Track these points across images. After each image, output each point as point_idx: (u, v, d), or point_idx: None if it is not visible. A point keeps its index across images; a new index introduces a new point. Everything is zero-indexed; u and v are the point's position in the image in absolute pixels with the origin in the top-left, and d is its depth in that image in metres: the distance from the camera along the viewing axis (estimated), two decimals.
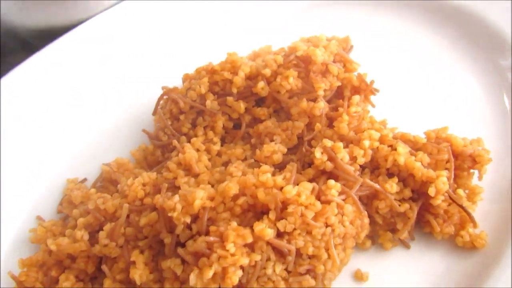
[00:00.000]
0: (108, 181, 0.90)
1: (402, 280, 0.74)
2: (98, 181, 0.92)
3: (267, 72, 0.86)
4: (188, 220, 0.69)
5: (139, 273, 0.70)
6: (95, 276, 0.78)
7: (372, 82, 0.91)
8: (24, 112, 0.99)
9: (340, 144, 0.77)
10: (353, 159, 0.78)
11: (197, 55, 1.02)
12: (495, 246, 0.73)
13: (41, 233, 0.83)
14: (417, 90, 0.94)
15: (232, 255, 0.65)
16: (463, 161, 0.79)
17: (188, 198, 0.70)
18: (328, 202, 0.70)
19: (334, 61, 0.90)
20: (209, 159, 0.86)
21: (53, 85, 1.02)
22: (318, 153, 0.76)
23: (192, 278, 0.65)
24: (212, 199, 0.71)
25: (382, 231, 0.77)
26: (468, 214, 0.74)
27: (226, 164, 0.86)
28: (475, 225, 0.75)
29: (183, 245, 0.70)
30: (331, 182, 0.72)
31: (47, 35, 1.09)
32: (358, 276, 0.75)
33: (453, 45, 0.99)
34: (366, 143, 0.78)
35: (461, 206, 0.74)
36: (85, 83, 1.04)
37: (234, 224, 0.67)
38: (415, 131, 0.85)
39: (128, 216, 0.76)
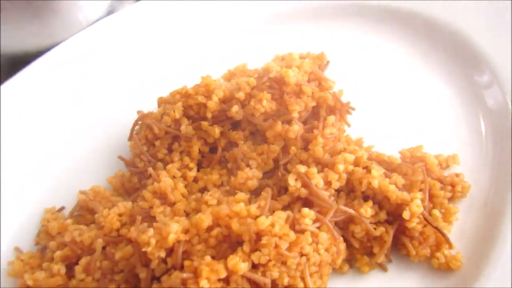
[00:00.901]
0: (85, 210, 0.89)
1: None
2: (75, 210, 0.91)
3: (241, 95, 0.86)
4: (163, 254, 0.69)
5: None
6: None
7: (348, 103, 0.91)
8: (3, 138, 0.98)
9: (314, 170, 0.77)
10: (328, 183, 0.78)
11: (172, 77, 1.01)
12: (471, 266, 0.73)
13: (18, 267, 0.82)
14: (393, 107, 0.94)
15: None
16: (441, 183, 0.80)
17: (162, 232, 0.69)
18: (302, 232, 0.70)
19: (309, 80, 0.90)
20: (186, 186, 0.85)
21: (26, 110, 1.01)
22: (291, 180, 0.76)
23: None
24: (186, 231, 0.71)
25: (359, 255, 0.77)
26: (444, 235, 0.75)
27: (202, 190, 0.85)
28: (450, 246, 0.75)
29: (159, 279, 0.70)
30: (305, 210, 0.72)
31: (19, 61, 1.07)
32: None
33: (428, 61, 0.98)
34: (341, 167, 0.78)
35: (436, 228, 0.75)
36: (59, 108, 1.03)
37: (208, 258, 0.67)
38: (391, 148, 0.86)
39: (104, 247, 0.76)
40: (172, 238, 0.68)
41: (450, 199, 0.81)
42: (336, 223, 0.76)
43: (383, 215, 0.77)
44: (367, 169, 0.79)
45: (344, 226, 0.77)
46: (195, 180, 0.87)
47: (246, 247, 0.68)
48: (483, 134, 0.87)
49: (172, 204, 0.81)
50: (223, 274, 0.65)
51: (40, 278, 0.76)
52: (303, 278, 0.69)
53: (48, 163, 0.99)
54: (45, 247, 0.87)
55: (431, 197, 0.79)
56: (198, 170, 0.89)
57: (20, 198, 0.95)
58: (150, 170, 0.85)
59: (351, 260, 0.78)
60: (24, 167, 0.97)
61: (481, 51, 0.92)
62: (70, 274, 0.77)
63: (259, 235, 0.69)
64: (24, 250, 0.87)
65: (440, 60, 0.98)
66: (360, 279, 0.77)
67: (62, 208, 0.92)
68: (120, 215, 0.79)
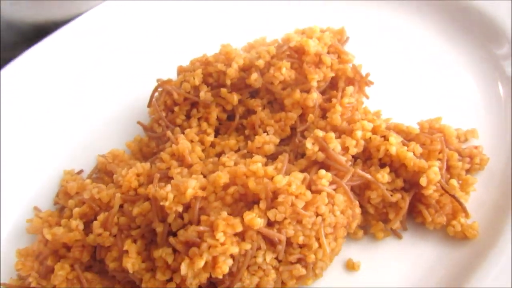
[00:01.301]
0: (103, 172, 0.91)
1: (394, 269, 0.74)
2: (94, 172, 0.93)
3: (260, 63, 0.86)
4: (180, 209, 0.70)
5: (131, 262, 0.71)
6: (90, 265, 0.79)
7: (367, 74, 0.90)
8: (22, 105, 1.00)
9: (332, 134, 0.77)
10: (345, 149, 0.78)
11: (192, 48, 1.02)
12: (487, 236, 0.73)
13: (37, 223, 0.84)
14: (411, 81, 0.94)
15: (222, 244, 0.65)
16: (460, 155, 0.79)
17: (180, 188, 0.70)
18: (318, 192, 0.70)
19: (328, 53, 0.90)
20: (203, 150, 0.86)
21: (50, 78, 1.04)
22: (309, 144, 0.76)
23: (183, 268, 0.66)
24: (204, 188, 0.72)
25: (374, 221, 0.77)
26: (460, 204, 0.74)
27: (219, 155, 0.86)
28: (467, 215, 0.74)
29: (175, 234, 0.70)
30: (322, 172, 0.72)
31: (44, 29, 1.10)
32: (350, 266, 0.75)
33: (447, 35, 0.98)
34: (359, 133, 0.78)
35: (453, 196, 0.74)
36: (81, 76, 1.05)
37: (224, 213, 0.68)
38: (409, 122, 0.85)
39: (122, 205, 0.77)
40: (189, 193, 0.69)
41: (468, 171, 0.80)
42: (352, 189, 0.76)
43: (399, 183, 0.77)
44: (385, 138, 0.79)
45: (360, 192, 0.77)
46: (212, 145, 0.88)
47: (262, 205, 0.69)
48: (502, 106, 0.86)
49: (189, 166, 0.82)
50: (239, 228, 0.66)
51: (59, 233, 0.78)
52: (318, 238, 0.70)
53: (69, 129, 1.01)
54: (63, 207, 0.89)
55: (449, 168, 0.79)
56: (215, 137, 0.90)
57: (40, 162, 0.97)
58: (169, 133, 0.86)
59: (366, 227, 0.78)
60: (45, 132, 0.99)
61: (500, 25, 0.91)
62: (87, 231, 0.78)
63: (275, 194, 0.69)
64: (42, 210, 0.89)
65: (459, 33, 0.98)
66: (374, 246, 0.77)
67: (81, 171, 0.94)
68: (138, 175, 0.81)
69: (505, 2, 0.93)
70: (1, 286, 0.79)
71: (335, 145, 0.77)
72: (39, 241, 0.82)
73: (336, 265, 0.76)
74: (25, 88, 1.01)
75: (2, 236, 0.87)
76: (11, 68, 1.04)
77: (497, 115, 0.86)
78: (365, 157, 0.80)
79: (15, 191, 0.92)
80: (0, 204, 0.89)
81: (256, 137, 0.83)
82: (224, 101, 0.90)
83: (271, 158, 0.82)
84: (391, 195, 0.76)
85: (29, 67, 1.04)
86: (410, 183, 0.77)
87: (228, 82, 0.88)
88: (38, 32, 1.11)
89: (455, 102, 0.90)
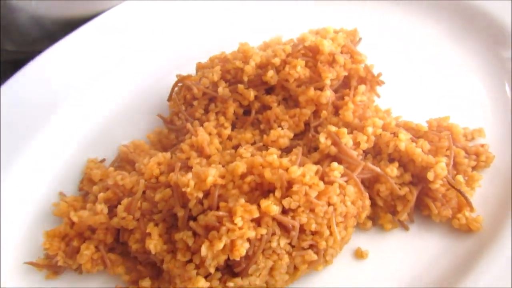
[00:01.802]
0: (125, 161, 0.96)
1: (400, 259, 0.78)
2: (116, 161, 0.98)
3: (277, 61, 0.91)
4: (201, 195, 0.75)
5: (153, 243, 0.75)
6: (113, 247, 0.84)
7: (379, 74, 0.94)
8: (50, 98, 1.05)
9: (344, 130, 0.81)
10: (357, 144, 0.82)
11: (211, 46, 1.07)
12: (490, 230, 0.76)
13: (63, 207, 0.89)
14: (421, 81, 0.98)
15: (240, 228, 0.70)
16: (466, 153, 0.83)
17: (201, 175, 0.75)
18: (331, 183, 0.75)
19: (341, 53, 0.94)
20: (220, 143, 0.91)
21: (75, 72, 1.09)
22: (322, 138, 0.81)
23: (204, 250, 0.70)
24: (223, 177, 0.76)
25: (382, 213, 0.81)
26: (465, 198, 0.78)
27: (236, 147, 0.91)
28: (471, 209, 0.78)
29: (195, 219, 0.75)
30: (334, 164, 0.77)
31: (70, 25, 1.16)
32: (358, 254, 0.79)
33: (456, 37, 1.02)
34: (370, 129, 0.82)
35: (458, 191, 0.78)
36: (105, 71, 1.10)
37: (242, 200, 0.72)
38: (418, 120, 0.89)
39: (144, 192, 0.82)
40: (210, 180, 0.74)
41: (474, 168, 0.84)
42: (362, 181, 0.80)
43: (407, 177, 0.81)
44: (395, 134, 0.83)
45: (370, 185, 0.81)
46: (229, 138, 0.93)
47: (277, 193, 0.73)
48: (509, 107, 0.90)
49: (208, 157, 0.86)
50: (256, 214, 0.70)
51: (85, 216, 0.83)
52: (329, 226, 0.74)
53: (93, 121, 1.06)
54: (87, 193, 0.94)
55: (456, 164, 0.82)
56: (232, 130, 0.94)
57: (66, 151, 1.02)
58: (188, 125, 0.91)
59: (374, 218, 0.82)
60: (70, 124, 1.05)
61: (507, 29, 0.95)
62: (110, 215, 0.83)
63: (290, 183, 0.73)
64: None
65: (467, 35, 1.01)
66: (382, 236, 0.81)
67: (103, 160, 0.99)
68: (159, 164, 0.85)
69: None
70: (29, 265, 0.84)
71: (347, 140, 0.81)
72: (65, 223, 0.87)
73: (345, 253, 0.80)
74: (52, 81, 1.06)
75: (30, 219, 0.92)
76: (38, 61, 1.10)
77: (503, 115, 0.89)
78: (376, 152, 0.84)
79: (42, 178, 0.98)
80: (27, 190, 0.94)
81: (272, 131, 0.87)
82: (241, 97, 0.94)
83: (285, 151, 0.86)
84: (400, 189, 0.80)
85: (54, 61, 1.10)
86: (418, 178, 0.81)
87: (245, 78, 0.92)
88: (64, 28, 1.17)
89: (463, 102, 0.94)
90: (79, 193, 0.96)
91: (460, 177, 0.80)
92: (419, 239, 0.79)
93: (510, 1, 0.97)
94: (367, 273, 0.78)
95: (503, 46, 0.96)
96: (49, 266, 0.83)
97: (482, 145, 0.85)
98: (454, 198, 0.79)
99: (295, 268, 0.75)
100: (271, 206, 0.70)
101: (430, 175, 0.77)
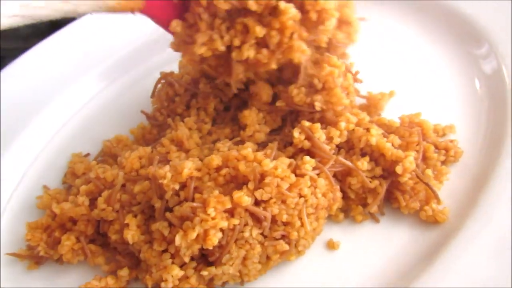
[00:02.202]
0: (108, 155, 0.99)
1: (371, 248, 0.80)
2: (99, 156, 1.00)
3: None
4: (177, 187, 0.77)
5: (131, 234, 0.78)
6: (94, 239, 0.87)
7: (357, 72, 0.97)
8: (36, 93, 1.08)
9: (318, 125, 0.84)
10: (330, 139, 0.85)
11: None
12: (455, 221, 0.79)
13: (46, 199, 0.92)
14: (396, 79, 1.00)
15: (213, 218, 0.72)
16: (436, 148, 0.86)
17: (177, 168, 0.78)
18: (302, 176, 0.77)
19: None
20: (200, 137, 0.94)
21: (60, 69, 1.12)
22: (296, 133, 0.84)
23: (178, 239, 0.73)
24: (199, 170, 0.79)
25: (354, 205, 0.84)
26: (433, 191, 0.81)
27: (215, 142, 0.93)
28: (438, 201, 0.81)
29: (171, 210, 0.78)
30: (306, 158, 0.79)
31: (57, 24, 1.18)
32: (331, 245, 0.82)
33: (429, 35, 1.04)
34: (343, 124, 0.85)
35: (426, 184, 0.81)
36: (92, 68, 1.13)
37: (216, 192, 0.75)
38: (392, 117, 0.92)
39: (124, 185, 0.84)
40: (186, 173, 0.76)
41: (444, 163, 0.87)
42: (334, 175, 0.83)
43: (378, 171, 0.83)
44: (368, 130, 0.86)
45: (342, 178, 0.84)
46: (209, 133, 0.95)
47: (250, 185, 0.76)
48: (478, 103, 0.93)
49: (187, 151, 0.89)
50: (229, 205, 0.73)
51: (66, 208, 0.85)
52: (300, 217, 0.76)
53: (77, 117, 1.09)
54: (70, 186, 0.96)
55: (426, 159, 0.85)
56: (212, 125, 0.97)
57: (50, 146, 1.05)
58: (169, 120, 0.94)
59: (346, 211, 0.85)
60: (55, 120, 1.08)
61: (479, 26, 0.98)
62: (92, 207, 0.86)
63: (263, 176, 0.76)
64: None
65: (440, 34, 1.04)
66: (354, 228, 0.84)
67: (87, 155, 1.02)
68: (140, 157, 0.88)
69: (485, 4, 1.00)
70: (12, 256, 0.87)
71: (320, 134, 0.84)
72: (47, 215, 0.89)
73: (318, 244, 0.82)
74: (37, 77, 1.09)
75: (14, 211, 0.95)
76: (24, 58, 1.13)
77: (473, 111, 0.92)
78: (348, 147, 0.87)
79: (26, 172, 1.01)
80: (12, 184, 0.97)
81: (248, 126, 0.90)
82: (222, 93, 0.97)
83: (262, 146, 0.89)
84: (370, 182, 0.83)
85: (42, 58, 1.12)
86: (388, 172, 0.84)
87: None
88: (52, 24, 1.19)
89: (437, 99, 0.96)
90: (63, 186, 0.98)
91: (429, 171, 0.83)
92: (388, 230, 0.82)
93: (481, 0, 1.00)
94: (338, 263, 0.80)
95: (475, 43, 0.99)
96: (30, 256, 0.86)
97: (452, 141, 0.88)
98: (422, 191, 0.81)
99: (268, 257, 0.77)
100: (243, 197, 0.73)
101: (399, 169, 0.80)
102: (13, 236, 0.90)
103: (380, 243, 0.81)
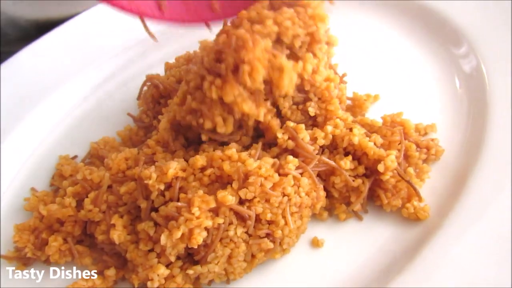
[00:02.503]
0: (95, 157, 0.99)
1: (354, 246, 0.82)
2: (87, 157, 1.01)
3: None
4: (162, 187, 0.78)
5: (117, 234, 0.79)
6: (81, 239, 0.87)
7: (344, 74, 0.99)
8: (25, 97, 1.09)
9: (302, 125, 0.86)
10: (314, 139, 0.86)
11: (177, 47, 1.11)
12: (436, 218, 0.81)
13: (34, 201, 0.93)
14: (378, 79, 1.02)
15: (197, 218, 0.73)
16: (418, 146, 0.88)
17: (162, 169, 0.79)
18: (285, 175, 0.79)
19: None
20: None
21: (48, 72, 1.12)
22: (280, 133, 0.85)
23: (163, 239, 0.74)
24: (184, 170, 0.80)
25: (338, 204, 0.86)
26: (414, 188, 0.83)
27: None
28: (420, 199, 0.83)
29: (157, 211, 0.79)
30: (290, 157, 0.81)
31: (45, 27, 1.19)
32: (315, 243, 0.83)
33: (410, 36, 1.06)
34: (329, 128, 0.86)
35: (407, 182, 0.83)
36: (79, 72, 1.14)
37: (200, 192, 0.76)
38: (374, 116, 0.94)
39: (111, 186, 0.85)
40: (171, 173, 0.77)
41: (425, 161, 0.89)
42: (318, 174, 0.84)
43: (361, 170, 0.85)
44: (350, 129, 0.87)
45: (326, 177, 0.86)
46: None
47: (235, 185, 0.77)
48: (459, 102, 0.95)
49: (172, 152, 0.90)
50: (213, 204, 0.74)
51: (53, 209, 0.86)
52: (284, 216, 0.78)
53: (65, 119, 1.09)
54: (58, 188, 0.97)
55: (407, 157, 0.87)
56: None
57: (38, 148, 1.05)
58: (155, 122, 0.95)
59: (330, 209, 0.86)
60: (43, 122, 1.08)
61: (459, 26, 1.00)
62: (79, 208, 0.86)
63: (247, 175, 0.77)
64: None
65: (421, 34, 1.06)
66: (338, 226, 0.85)
67: (75, 157, 1.03)
68: (126, 159, 0.89)
69: (464, 5, 1.03)
70: (0, 258, 0.87)
71: (304, 135, 0.85)
72: (35, 217, 0.90)
73: (303, 242, 0.84)
74: (26, 80, 1.10)
75: (2, 213, 0.95)
76: (10, 62, 1.13)
77: (453, 110, 0.94)
78: (332, 147, 0.88)
79: (14, 174, 1.01)
80: (0, 186, 0.97)
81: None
82: None
83: (247, 148, 0.90)
84: (353, 181, 0.84)
85: (29, 62, 1.13)
86: (371, 170, 0.85)
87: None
88: (39, 29, 1.20)
89: (418, 98, 0.98)
90: (51, 188, 0.99)
91: (411, 170, 0.85)
92: (371, 227, 0.84)
93: (461, 0, 1.03)
94: (323, 260, 0.82)
95: (455, 43, 1.01)
96: (18, 258, 0.86)
97: (433, 140, 0.90)
98: (404, 189, 0.83)
99: (253, 256, 0.78)
100: (227, 196, 0.74)
101: (381, 167, 0.82)
102: (3, 239, 0.91)
103: (363, 240, 0.82)
